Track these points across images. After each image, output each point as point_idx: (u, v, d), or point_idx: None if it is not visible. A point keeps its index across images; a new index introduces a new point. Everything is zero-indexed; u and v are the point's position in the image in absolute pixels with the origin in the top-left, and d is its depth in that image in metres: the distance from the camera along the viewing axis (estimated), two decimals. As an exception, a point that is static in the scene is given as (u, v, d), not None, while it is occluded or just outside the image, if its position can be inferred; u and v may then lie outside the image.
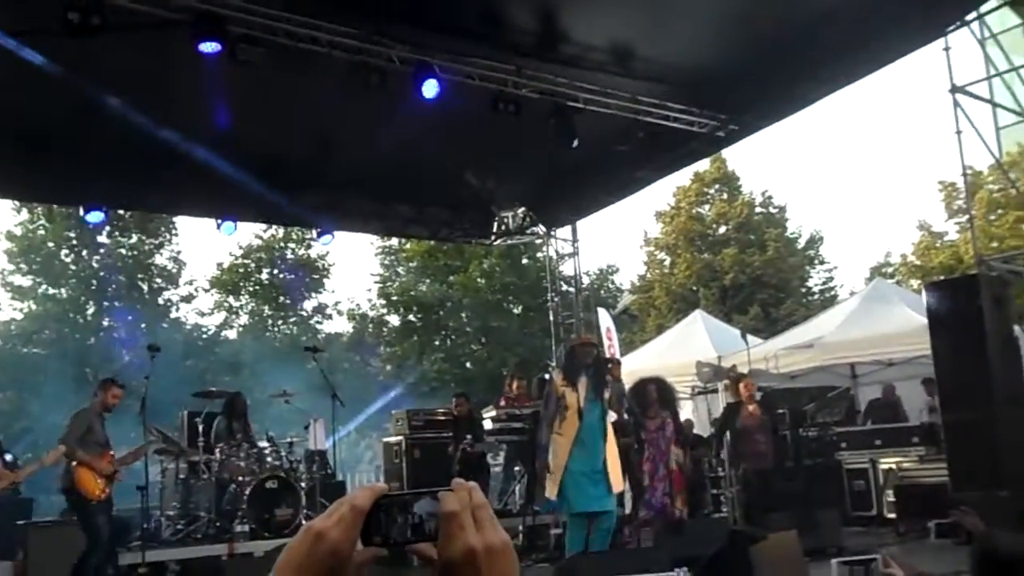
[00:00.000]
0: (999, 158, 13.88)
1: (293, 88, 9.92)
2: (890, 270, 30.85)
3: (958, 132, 10.62)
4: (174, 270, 29.62)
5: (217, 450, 9.99)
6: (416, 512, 1.07)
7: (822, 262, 33.40)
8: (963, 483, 9.53)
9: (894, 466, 11.64)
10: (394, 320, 32.37)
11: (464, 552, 1.03)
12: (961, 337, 9.72)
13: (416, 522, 1.07)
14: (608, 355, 8.44)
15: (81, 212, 13.58)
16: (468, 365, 31.04)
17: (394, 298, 31.79)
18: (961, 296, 10.02)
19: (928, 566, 5.74)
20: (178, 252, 29.66)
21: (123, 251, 28.50)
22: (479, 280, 30.64)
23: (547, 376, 7.67)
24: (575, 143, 10.69)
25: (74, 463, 8.06)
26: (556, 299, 16.38)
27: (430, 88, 9.65)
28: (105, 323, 27.77)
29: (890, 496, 11.39)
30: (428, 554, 1.06)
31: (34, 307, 27.69)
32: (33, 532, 8.33)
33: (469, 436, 11.29)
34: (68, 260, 27.95)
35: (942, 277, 21.25)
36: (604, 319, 17.82)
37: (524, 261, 30.22)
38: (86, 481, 8.06)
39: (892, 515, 11.02)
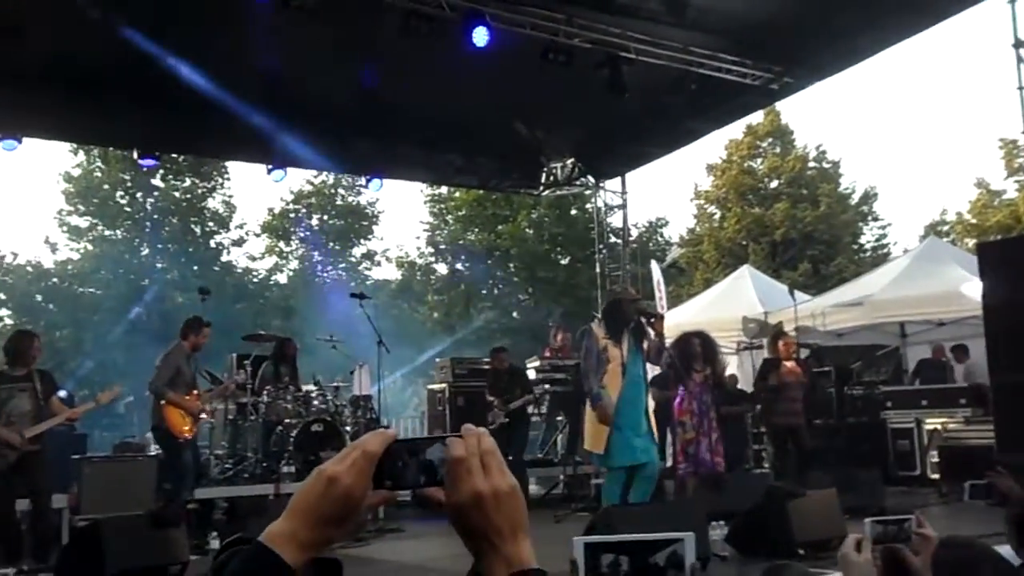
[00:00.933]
0: (1062, 116, 13.48)
1: (344, 34, 9.92)
2: (945, 228, 30.27)
3: (1020, 88, 10.33)
4: (226, 214, 29.94)
5: (264, 392, 10.18)
6: (426, 457, 1.11)
7: (876, 219, 32.83)
8: (1009, 446, 9.42)
9: (939, 427, 11.54)
10: (442, 269, 32.52)
11: (471, 496, 1.07)
12: (1013, 298, 9.55)
13: (426, 467, 1.11)
14: (652, 310, 8.42)
15: (135, 155, 13.78)
16: (515, 315, 31.14)
17: (442, 247, 31.89)
18: (1016, 257, 9.83)
19: (966, 528, 5.73)
20: (230, 196, 30.00)
21: (176, 194, 28.86)
22: (527, 230, 30.59)
23: (587, 328, 7.64)
24: (626, 94, 10.59)
25: (163, 402, 8.31)
26: (604, 251, 16.36)
27: (480, 36, 9.60)
28: (159, 265, 28.22)
29: (934, 457, 11.31)
30: (437, 498, 1.10)
31: (90, 247, 28.26)
32: (87, 466, 8.58)
33: (527, 395, 11.31)
34: (123, 202, 28.38)
35: (998, 236, 20.86)
36: (656, 272, 17.80)
37: (572, 212, 30.10)
38: (174, 420, 8.33)
39: (935, 476, 10.95)
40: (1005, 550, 3.64)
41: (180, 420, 8.38)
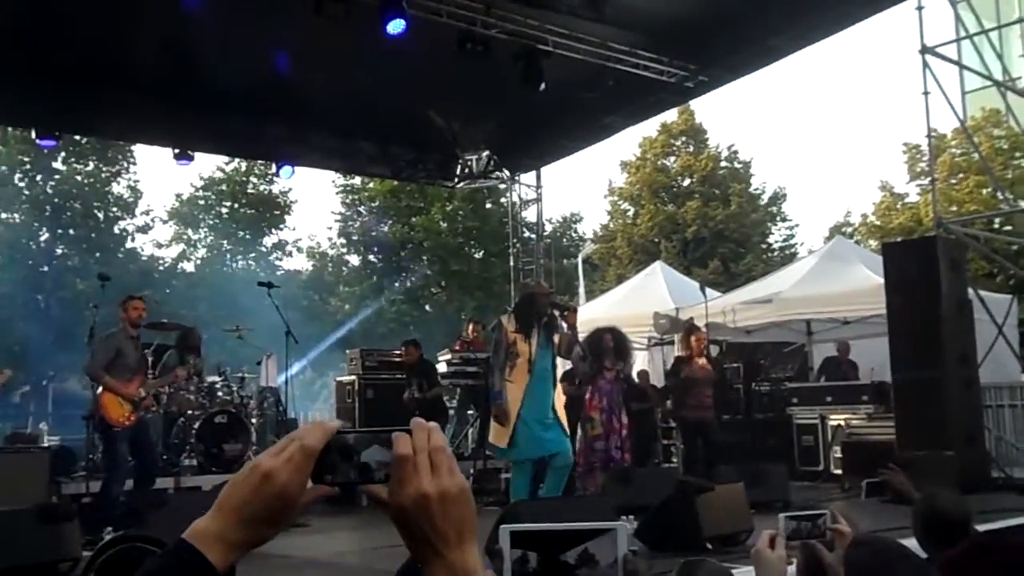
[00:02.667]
0: (964, 121, 13.91)
1: (258, 19, 9.67)
2: (850, 229, 31.06)
3: (925, 93, 10.59)
4: (131, 200, 29.07)
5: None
6: (370, 452, 1.04)
7: (784, 219, 33.58)
8: (909, 442, 9.67)
9: (843, 423, 11.79)
10: (354, 260, 32.18)
11: (416, 497, 0.98)
12: (916, 298, 9.80)
13: (369, 463, 1.03)
14: (566, 303, 8.40)
15: (34, 135, 13.24)
16: (427, 308, 31.02)
17: (355, 238, 31.56)
18: (918, 258, 10.08)
19: (868, 522, 5.81)
20: (136, 181, 29.14)
21: (79, 178, 27.89)
22: (441, 223, 30.48)
23: (498, 322, 7.57)
24: (542, 87, 10.55)
25: (100, 388, 7.83)
26: (518, 245, 16.34)
27: (396, 25, 9.45)
28: (59, 251, 27.28)
29: (837, 452, 11.54)
30: (381, 496, 1.01)
31: (-14, 231, 27.16)
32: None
33: (422, 382, 11.22)
34: (22, 185, 27.32)
35: (901, 238, 21.47)
36: (580, 265, 17.93)
37: (487, 206, 30.09)
38: (110, 407, 7.73)
39: (838, 471, 11.17)
40: (910, 543, 3.68)
41: (117, 408, 7.83)
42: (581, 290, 16.73)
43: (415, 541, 0.99)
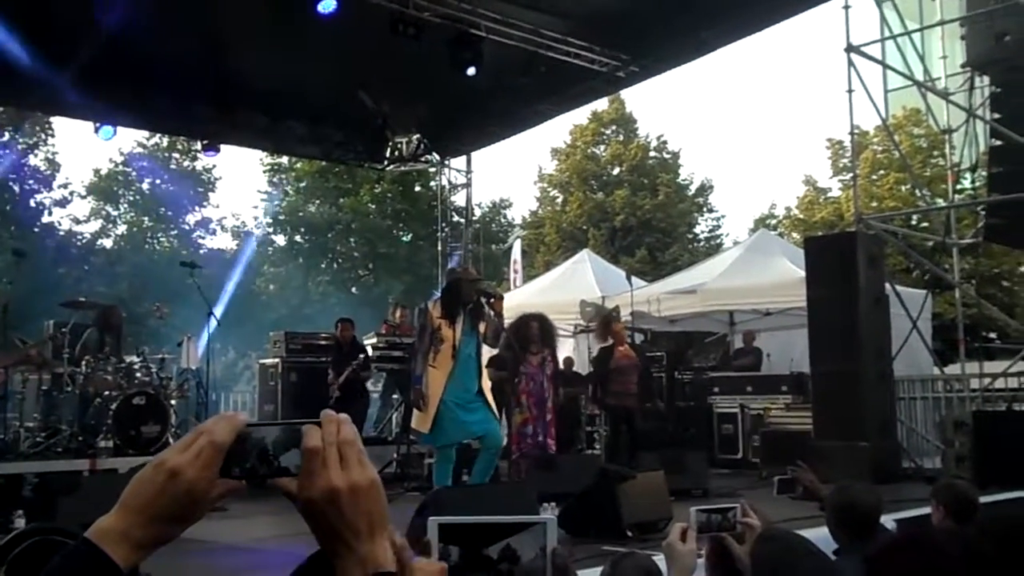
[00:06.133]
0: (886, 119, 14.24)
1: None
2: (774, 222, 31.63)
3: (850, 91, 10.81)
4: (48, 172, 28.22)
5: (83, 363, 9.62)
6: (279, 445, 1.01)
7: (711, 210, 34.05)
8: (825, 432, 9.90)
9: (762, 412, 12.01)
10: (280, 240, 31.73)
11: (325, 491, 0.97)
12: (835, 291, 10.02)
13: (278, 456, 1.01)
14: (492, 289, 8.38)
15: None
16: (354, 290, 30.74)
17: (281, 217, 31.12)
18: (838, 252, 10.30)
19: (784, 510, 5.94)
20: (54, 154, 28.29)
21: (-6, 149, 27.01)
22: (369, 205, 30.21)
23: (423, 307, 7.53)
24: (474, 71, 10.52)
25: None
26: (446, 229, 16.29)
27: (327, 5, 9.33)
28: (-30, 223, 26.40)
29: (756, 441, 11.76)
30: (290, 490, 1.00)
31: None
32: None
33: (355, 361, 11.10)
34: (-69, 155, 26.39)
35: (823, 232, 21.93)
36: (516, 250, 17.94)
37: (416, 189, 29.91)
38: None
39: (756, 459, 11.38)
40: (822, 532, 3.77)
41: None
42: (518, 276, 16.76)
43: (325, 535, 0.98)
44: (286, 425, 1.02)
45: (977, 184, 14.70)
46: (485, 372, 7.56)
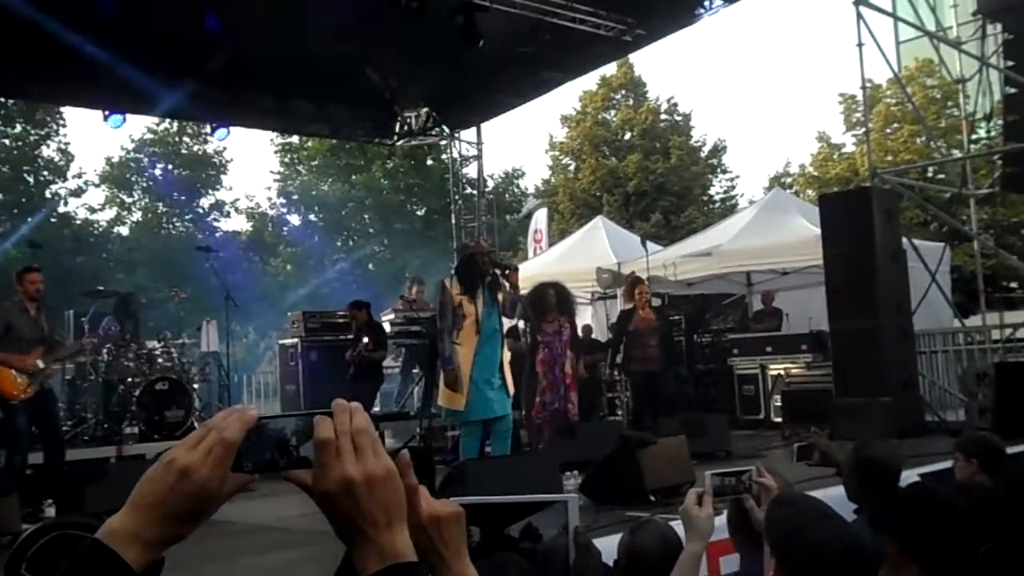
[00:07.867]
0: (898, 72, 14.07)
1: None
2: (789, 180, 31.42)
3: (860, 45, 10.70)
4: (61, 163, 28.31)
5: (105, 351, 9.71)
6: (291, 437, 1.00)
7: (724, 171, 33.83)
8: (847, 390, 9.88)
9: (782, 372, 12.00)
10: (294, 219, 31.80)
11: (341, 482, 0.96)
12: (851, 248, 9.95)
13: (291, 449, 1.00)
14: (506, 261, 8.35)
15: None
16: (370, 267, 30.79)
17: (294, 197, 31.15)
18: (853, 208, 10.22)
19: (806, 469, 5.94)
20: (66, 144, 28.36)
21: (7, 141, 27.08)
22: (382, 181, 30.19)
23: (441, 285, 7.51)
24: (480, 43, 10.45)
25: None
26: (459, 202, 16.26)
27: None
28: (-13, 217, 26.57)
29: (777, 401, 11.76)
30: (304, 482, 0.98)
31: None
32: None
33: (366, 340, 11.14)
34: (-54, 149, 26.52)
35: (837, 189, 21.76)
36: (541, 218, 17.92)
37: (428, 163, 29.85)
38: (4, 380, 7.60)
39: (779, 419, 11.39)
40: (838, 491, 3.77)
41: (11, 381, 7.72)
42: (542, 242, 16.84)
43: (342, 526, 0.97)
44: (298, 416, 1.02)
45: (992, 133, 14.56)
46: (505, 344, 7.57)
